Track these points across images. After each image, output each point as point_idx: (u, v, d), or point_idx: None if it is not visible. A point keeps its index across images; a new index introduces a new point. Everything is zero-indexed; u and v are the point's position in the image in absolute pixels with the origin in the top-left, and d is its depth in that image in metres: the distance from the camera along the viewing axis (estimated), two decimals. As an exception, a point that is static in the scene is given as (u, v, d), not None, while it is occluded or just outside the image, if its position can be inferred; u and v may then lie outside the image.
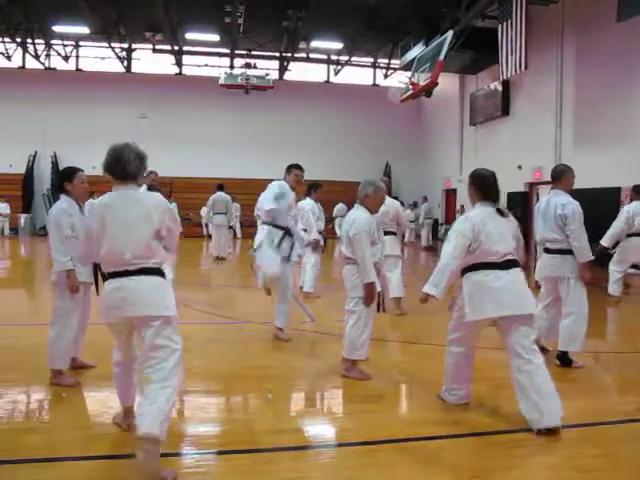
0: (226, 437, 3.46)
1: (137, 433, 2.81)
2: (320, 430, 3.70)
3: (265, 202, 5.69)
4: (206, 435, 3.52)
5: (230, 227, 14.27)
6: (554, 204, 4.90)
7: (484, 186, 3.79)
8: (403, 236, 20.20)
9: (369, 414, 3.80)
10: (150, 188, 5.62)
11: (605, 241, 8.17)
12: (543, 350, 5.20)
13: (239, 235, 20.45)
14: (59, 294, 4.21)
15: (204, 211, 20.33)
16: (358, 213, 4.51)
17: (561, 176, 5.03)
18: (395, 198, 8.07)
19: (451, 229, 3.80)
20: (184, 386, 3.69)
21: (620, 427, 3.69)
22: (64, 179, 4.29)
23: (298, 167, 6.00)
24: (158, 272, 3.08)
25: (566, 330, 4.92)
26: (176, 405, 3.01)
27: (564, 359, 4.94)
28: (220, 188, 13.74)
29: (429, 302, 3.74)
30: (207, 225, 20.51)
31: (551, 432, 3.41)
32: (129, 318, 3.03)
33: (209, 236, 20.26)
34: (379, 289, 4.47)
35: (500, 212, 3.74)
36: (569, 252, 4.84)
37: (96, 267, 4.12)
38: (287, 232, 5.73)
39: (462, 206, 19.79)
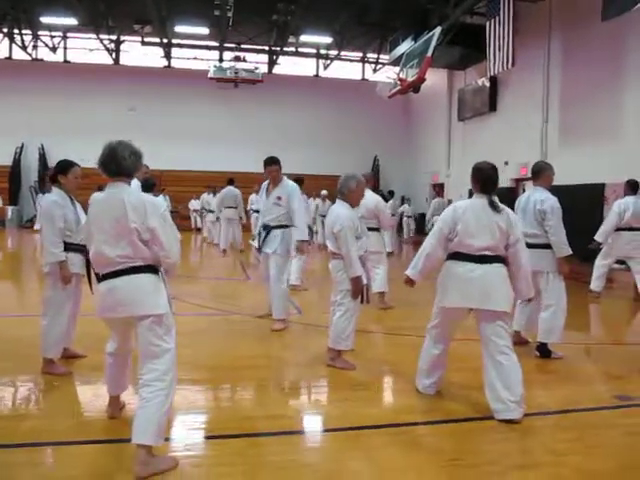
0: (215, 423, 3.58)
1: (132, 440, 2.85)
2: (307, 416, 3.82)
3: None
4: (196, 421, 3.63)
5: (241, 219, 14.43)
6: (533, 200, 5.05)
7: (483, 178, 3.90)
8: (402, 231, 20.49)
9: (354, 401, 3.94)
10: (145, 181, 5.70)
11: (599, 237, 8.30)
12: (523, 342, 5.40)
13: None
14: (51, 285, 4.29)
15: (192, 204, 20.40)
16: (341, 209, 4.60)
17: (540, 173, 5.19)
18: (379, 192, 8.06)
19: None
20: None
21: (595, 413, 3.86)
22: (59, 172, 4.33)
23: (270, 162, 6.10)
24: (149, 269, 3.01)
25: (545, 322, 5.07)
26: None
27: (543, 350, 5.10)
28: (230, 182, 13.82)
29: (414, 292, 3.90)
30: (196, 218, 20.57)
31: (511, 422, 3.54)
32: (122, 317, 3.05)
33: (198, 229, 20.34)
34: (365, 282, 4.59)
35: (494, 206, 3.77)
36: (548, 247, 4.99)
37: (88, 263, 4.22)
38: (264, 227, 6.08)
39: (449, 200, 19.98)
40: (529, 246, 5.11)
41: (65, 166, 4.37)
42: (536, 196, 5.07)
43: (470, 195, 4.05)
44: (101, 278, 3.06)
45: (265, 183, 6.31)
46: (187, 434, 3.40)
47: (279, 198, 6.05)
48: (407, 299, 7.19)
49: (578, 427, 3.60)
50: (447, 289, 3.79)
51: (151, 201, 3.05)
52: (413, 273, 3.93)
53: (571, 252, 4.99)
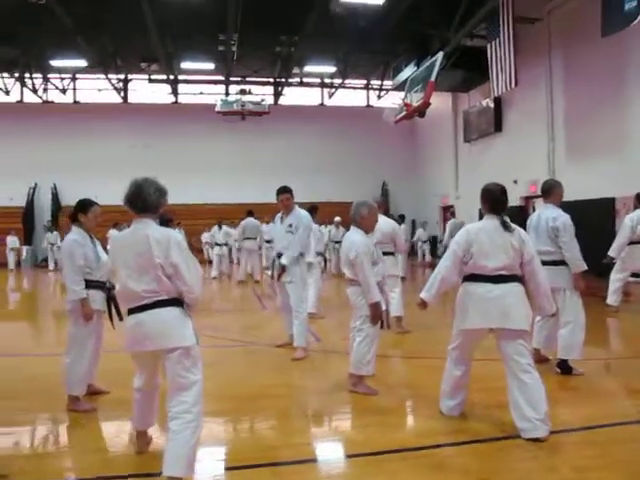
0: (238, 453, 3.57)
1: (163, 472, 2.90)
2: (330, 443, 3.82)
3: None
4: (218, 452, 3.64)
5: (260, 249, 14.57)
6: (545, 218, 5.10)
7: (492, 199, 3.96)
8: (415, 255, 20.41)
9: (377, 427, 3.95)
10: (161, 217, 5.80)
11: (613, 252, 8.30)
12: (543, 360, 5.38)
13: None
14: (73, 322, 4.36)
15: (205, 236, 20.47)
16: (356, 236, 4.66)
17: (550, 191, 5.24)
18: (390, 216, 8.15)
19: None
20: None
21: (619, 428, 3.84)
22: (79, 210, 4.45)
23: (283, 190, 6.25)
24: (174, 303, 3.08)
25: (564, 339, 5.07)
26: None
27: (564, 367, 5.09)
28: (250, 214, 13.99)
29: (430, 315, 3.92)
30: (208, 251, 20.62)
31: (538, 440, 3.54)
32: (150, 351, 3.12)
33: (209, 262, 20.43)
34: (384, 307, 4.62)
35: (505, 226, 3.82)
36: (563, 263, 5.01)
37: (109, 299, 4.31)
38: (279, 255, 6.18)
39: (462, 222, 19.97)
40: (544, 263, 5.13)
41: (85, 205, 4.48)
42: (548, 214, 5.12)
43: (480, 216, 4.10)
44: (128, 313, 3.13)
45: (280, 213, 6.42)
46: (211, 465, 3.41)
47: (291, 226, 6.17)
48: (423, 322, 7.20)
49: (602, 443, 3.58)
50: (467, 311, 3.81)
51: (175, 237, 3.13)
52: (428, 296, 3.95)
53: (586, 267, 5.01)
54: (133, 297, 3.07)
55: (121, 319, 4.21)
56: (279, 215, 6.44)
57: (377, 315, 4.55)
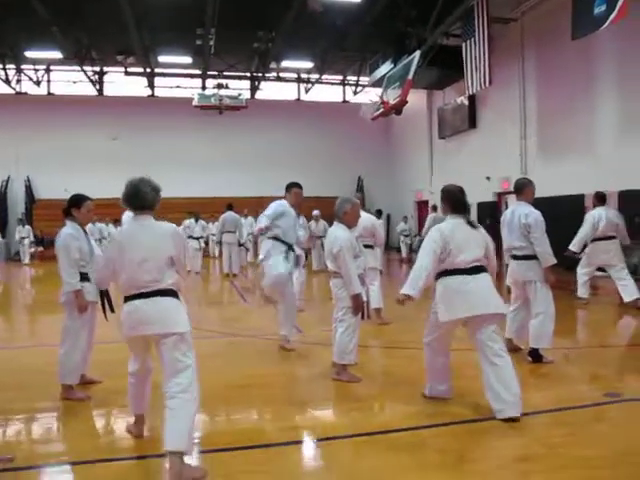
0: (229, 436, 3.77)
1: (164, 448, 3.10)
2: (317, 426, 4.03)
3: (259, 221, 6.06)
4: (209, 434, 3.84)
5: (241, 245, 14.53)
6: (518, 214, 5.39)
7: (452, 200, 4.24)
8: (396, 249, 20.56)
9: (360, 411, 4.20)
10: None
11: (574, 246, 8.70)
12: (516, 349, 5.68)
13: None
14: (68, 314, 4.50)
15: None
16: (339, 231, 4.89)
17: (523, 189, 5.54)
18: (368, 211, 8.36)
19: (425, 238, 4.22)
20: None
21: (586, 410, 4.14)
22: (72, 205, 4.58)
23: (297, 185, 6.35)
24: (172, 293, 3.36)
25: (535, 329, 5.37)
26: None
27: (535, 355, 5.38)
28: (229, 207, 14.06)
29: (407, 307, 4.15)
30: (207, 243, 20.35)
31: (512, 420, 3.81)
32: (146, 336, 3.35)
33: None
34: (365, 299, 4.86)
35: (470, 224, 4.16)
36: (534, 258, 5.31)
37: (102, 292, 4.46)
38: (290, 247, 6.18)
39: (443, 217, 20.30)
40: (516, 258, 5.49)
41: (79, 200, 4.61)
42: (520, 210, 5.40)
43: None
44: (126, 300, 3.35)
45: (286, 204, 6.26)
46: (201, 447, 3.59)
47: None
48: (401, 314, 7.43)
49: (571, 423, 3.88)
50: (451, 304, 4.03)
51: (176, 230, 3.44)
52: (414, 292, 4.06)
53: (556, 261, 5.31)
54: (137, 285, 3.31)
55: (113, 311, 4.39)
56: (288, 207, 6.25)
57: (358, 306, 4.78)
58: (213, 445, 3.63)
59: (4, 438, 3.79)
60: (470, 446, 3.49)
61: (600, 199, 8.76)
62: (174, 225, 3.53)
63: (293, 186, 6.36)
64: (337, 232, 4.87)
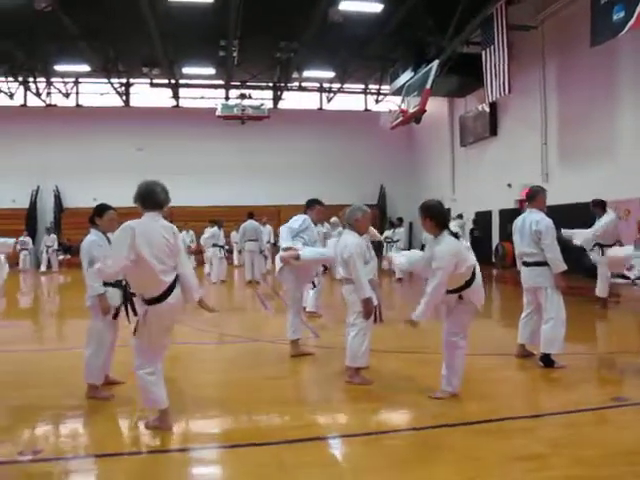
0: (245, 434, 3.95)
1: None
2: (331, 425, 4.20)
3: (282, 239, 6.12)
4: (227, 432, 4.03)
5: (261, 252, 14.71)
6: (529, 221, 5.49)
7: (439, 216, 4.41)
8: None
9: (372, 412, 4.34)
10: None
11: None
12: (528, 354, 5.76)
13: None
14: (93, 316, 4.74)
15: (203, 239, 20.47)
16: (349, 237, 5.04)
17: (535, 196, 5.63)
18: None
19: (436, 264, 4.26)
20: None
21: (593, 413, 4.23)
22: (96, 214, 4.85)
23: (319, 202, 6.51)
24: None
25: (546, 334, 5.44)
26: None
27: (546, 360, 5.45)
28: (250, 216, 14.26)
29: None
30: (230, 252, 20.36)
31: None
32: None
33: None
34: (375, 303, 4.99)
35: (455, 236, 4.39)
36: (545, 264, 5.39)
37: (125, 294, 4.68)
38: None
39: (464, 222, 20.25)
40: (527, 264, 5.59)
41: (101, 209, 4.88)
42: (531, 218, 5.50)
43: (460, 218, 4.58)
44: (155, 301, 3.75)
45: (308, 219, 6.38)
46: (219, 444, 3.80)
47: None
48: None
49: (577, 425, 3.97)
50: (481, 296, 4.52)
51: (176, 229, 3.90)
52: (424, 319, 4.38)
53: (566, 267, 5.38)
54: (164, 281, 3.74)
55: (136, 314, 4.59)
56: (308, 220, 6.38)
57: (369, 310, 4.92)
58: (232, 441, 3.82)
59: (34, 432, 4.03)
60: (475, 445, 3.60)
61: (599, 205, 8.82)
62: (171, 224, 3.95)
63: (316, 203, 6.51)
64: (348, 238, 5.02)
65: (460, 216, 17.77)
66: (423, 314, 4.30)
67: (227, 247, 16.67)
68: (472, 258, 4.33)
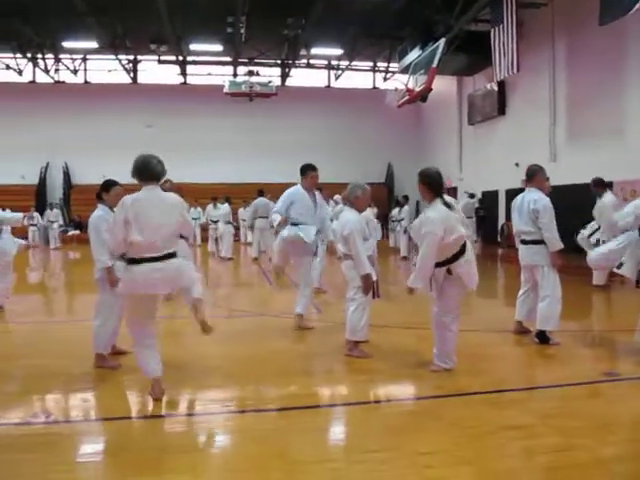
0: (250, 400, 4.17)
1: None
2: (328, 394, 4.40)
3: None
4: (233, 399, 4.23)
5: (272, 227, 14.80)
6: (528, 200, 5.57)
7: (435, 183, 4.50)
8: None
9: (370, 382, 4.53)
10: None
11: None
12: (525, 331, 5.89)
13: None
14: (101, 289, 4.90)
15: (217, 215, 20.35)
16: (350, 214, 5.15)
17: (534, 176, 5.71)
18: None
19: (425, 229, 4.38)
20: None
21: (584, 387, 4.36)
22: (103, 190, 5.01)
23: (312, 168, 6.39)
24: (176, 255, 3.92)
25: (542, 311, 5.55)
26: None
27: (542, 337, 5.57)
28: (261, 194, 14.35)
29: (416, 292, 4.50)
30: (237, 228, 20.41)
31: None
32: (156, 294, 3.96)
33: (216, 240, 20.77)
34: (374, 278, 5.12)
35: (448, 205, 4.40)
36: (542, 242, 5.49)
37: None
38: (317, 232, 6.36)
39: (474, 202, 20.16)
40: (525, 242, 5.69)
41: (108, 185, 5.03)
42: (530, 197, 5.58)
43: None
44: (140, 261, 3.78)
45: (300, 189, 6.38)
46: (225, 410, 4.00)
47: (316, 203, 6.45)
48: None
49: (566, 398, 4.12)
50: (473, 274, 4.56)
51: (179, 199, 3.98)
52: (421, 285, 4.49)
53: (562, 246, 5.48)
54: (152, 249, 3.76)
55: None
56: (301, 192, 6.38)
57: (368, 285, 5.05)
58: (240, 407, 4.06)
59: (45, 398, 4.23)
60: (465, 415, 3.75)
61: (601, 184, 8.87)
62: (178, 196, 4.02)
63: (308, 169, 6.37)
64: (348, 215, 5.13)
65: (472, 195, 17.78)
66: (416, 280, 4.42)
67: (234, 224, 16.80)
68: (461, 230, 4.38)
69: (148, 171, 3.84)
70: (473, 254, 4.59)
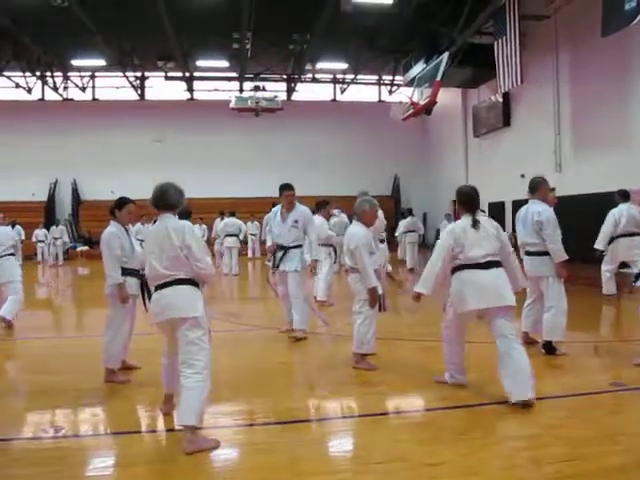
0: (254, 414, 4.20)
1: (176, 422, 3.58)
2: (335, 406, 4.41)
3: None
4: (237, 412, 4.26)
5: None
6: (531, 212, 5.61)
7: (467, 202, 4.51)
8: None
9: (376, 395, 4.55)
10: (182, 210, 6.37)
11: (599, 244, 8.84)
12: (532, 342, 5.90)
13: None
14: (112, 304, 4.98)
15: (249, 227, 20.02)
16: (356, 229, 5.23)
17: (537, 187, 5.75)
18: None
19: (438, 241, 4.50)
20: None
21: (590, 397, 4.38)
22: (116, 207, 5.09)
23: (287, 187, 6.66)
24: (189, 282, 3.73)
25: (548, 322, 5.58)
26: (210, 394, 3.68)
27: (548, 348, 5.59)
28: (232, 214, 14.54)
29: (424, 302, 4.49)
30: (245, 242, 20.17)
31: (524, 404, 4.04)
32: (169, 320, 3.74)
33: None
34: (380, 292, 5.17)
35: (474, 222, 4.36)
36: (546, 254, 5.52)
37: (142, 284, 4.89)
38: (281, 247, 6.65)
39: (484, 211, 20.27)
40: (530, 254, 5.72)
41: (121, 203, 5.12)
42: (533, 208, 5.62)
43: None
44: (154, 289, 3.80)
45: (277, 208, 6.81)
46: (229, 423, 4.02)
47: (296, 222, 6.63)
48: (420, 308, 7.72)
49: (571, 408, 4.14)
50: (464, 296, 4.31)
51: (188, 225, 3.82)
52: (426, 290, 4.43)
53: (567, 257, 5.51)
54: (158, 276, 3.74)
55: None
56: (277, 209, 6.78)
57: (374, 299, 5.10)
58: (248, 420, 4.09)
59: (56, 413, 4.27)
60: (471, 425, 3.78)
61: (623, 196, 8.85)
62: (188, 222, 3.93)
63: (283, 188, 6.66)
64: (355, 230, 5.20)
65: (482, 211, 17.73)
66: (422, 286, 4.41)
67: (242, 238, 16.77)
68: (475, 252, 4.28)
69: (163, 201, 3.81)
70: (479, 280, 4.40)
